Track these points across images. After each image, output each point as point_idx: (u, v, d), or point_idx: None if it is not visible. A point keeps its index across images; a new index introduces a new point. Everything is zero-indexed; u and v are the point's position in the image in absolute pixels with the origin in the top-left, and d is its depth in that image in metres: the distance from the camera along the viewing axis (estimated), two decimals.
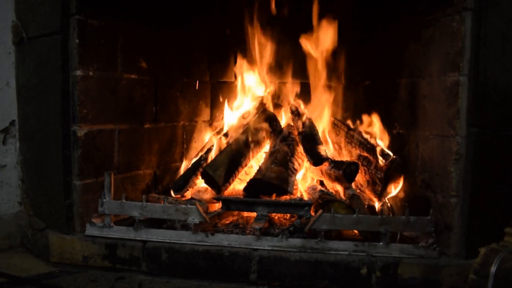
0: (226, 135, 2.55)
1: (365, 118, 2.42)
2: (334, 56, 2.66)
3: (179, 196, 2.30)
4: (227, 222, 2.09)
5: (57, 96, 1.93)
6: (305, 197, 2.21)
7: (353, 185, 2.22)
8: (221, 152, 2.33)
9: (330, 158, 2.25)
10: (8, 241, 2.19)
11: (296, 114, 2.54)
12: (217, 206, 2.15)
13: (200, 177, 2.31)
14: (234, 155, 2.29)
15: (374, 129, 2.32)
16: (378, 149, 2.20)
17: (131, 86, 2.18)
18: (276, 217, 2.15)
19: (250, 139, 2.39)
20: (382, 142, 2.25)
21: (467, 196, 1.72)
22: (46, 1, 1.96)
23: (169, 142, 2.48)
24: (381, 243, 1.78)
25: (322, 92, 2.66)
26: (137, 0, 2.14)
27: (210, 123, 2.82)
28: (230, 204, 2.02)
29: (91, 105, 1.98)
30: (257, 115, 2.54)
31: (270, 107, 2.68)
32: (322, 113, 2.64)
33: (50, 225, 2.02)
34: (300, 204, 1.94)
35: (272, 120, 2.52)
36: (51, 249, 1.95)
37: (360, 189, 2.28)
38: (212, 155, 2.41)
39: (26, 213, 2.19)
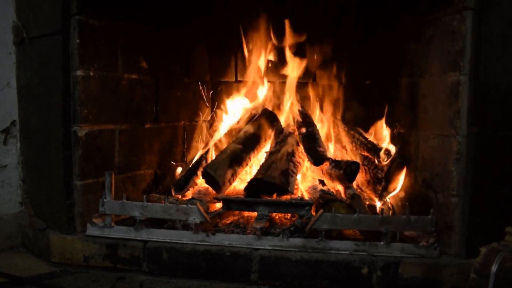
0: (226, 135, 2.55)
1: (365, 117, 2.42)
2: (334, 56, 2.66)
3: (180, 196, 2.30)
4: (228, 222, 2.09)
5: (58, 96, 1.93)
6: (306, 197, 2.21)
7: (353, 184, 2.22)
8: (221, 152, 2.34)
9: (330, 158, 2.25)
10: (9, 241, 2.19)
11: (297, 114, 2.54)
12: (218, 206, 2.15)
13: (201, 177, 2.31)
14: (235, 155, 2.29)
15: (375, 129, 2.32)
16: (378, 149, 2.21)
17: (131, 86, 2.18)
18: (277, 217, 2.15)
19: (250, 138, 2.39)
20: (382, 141, 2.25)
21: (468, 196, 1.72)
22: (47, 1, 1.96)
23: (169, 142, 2.48)
24: (382, 243, 1.78)
25: (323, 92, 2.66)
26: (137, 0, 2.14)
27: (211, 123, 2.82)
28: (231, 204, 2.02)
29: (92, 105, 1.98)
30: (257, 115, 2.54)
31: (270, 107, 2.68)
32: (322, 112, 2.64)
33: (51, 225, 2.02)
34: (301, 204, 1.94)
35: (272, 119, 2.52)
36: (52, 249, 1.95)
37: (360, 189, 2.28)
38: (212, 155, 2.41)
39: (27, 213, 2.19)
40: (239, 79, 2.84)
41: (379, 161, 2.17)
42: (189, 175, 2.36)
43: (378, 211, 2.11)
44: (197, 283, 1.81)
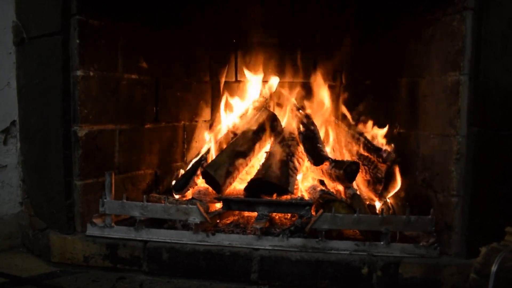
0: (226, 135, 2.55)
1: (365, 117, 2.42)
2: (334, 56, 2.66)
3: (180, 196, 2.30)
4: (228, 222, 2.09)
5: (58, 96, 1.93)
6: (306, 197, 2.21)
7: (353, 184, 2.21)
8: (221, 152, 2.34)
9: (330, 158, 2.25)
10: (9, 241, 2.19)
11: (297, 114, 2.54)
12: (218, 206, 2.15)
13: (201, 177, 2.31)
14: (235, 155, 2.29)
15: (375, 129, 2.32)
16: (379, 149, 2.20)
17: (131, 86, 2.18)
18: (277, 217, 2.15)
19: (250, 138, 2.39)
20: (382, 141, 2.25)
21: (468, 196, 1.72)
22: (47, 1, 1.96)
23: (169, 142, 2.48)
24: (382, 243, 1.78)
25: (323, 92, 2.66)
26: (137, 0, 2.14)
27: (211, 123, 2.82)
28: (231, 204, 2.02)
29: (92, 105, 1.98)
30: (257, 115, 2.54)
31: (271, 107, 2.68)
32: (322, 112, 2.64)
33: (51, 225, 2.02)
34: (301, 204, 1.94)
35: (272, 119, 2.52)
36: (52, 249, 1.95)
37: (360, 189, 2.28)
38: (212, 155, 2.41)
39: (27, 213, 2.19)
40: (239, 79, 2.84)
41: (379, 161, 2.17)
42: (189, 175, 2.36)
43: (378, 211, 2.11)
44: (197, 283, 1.81)
